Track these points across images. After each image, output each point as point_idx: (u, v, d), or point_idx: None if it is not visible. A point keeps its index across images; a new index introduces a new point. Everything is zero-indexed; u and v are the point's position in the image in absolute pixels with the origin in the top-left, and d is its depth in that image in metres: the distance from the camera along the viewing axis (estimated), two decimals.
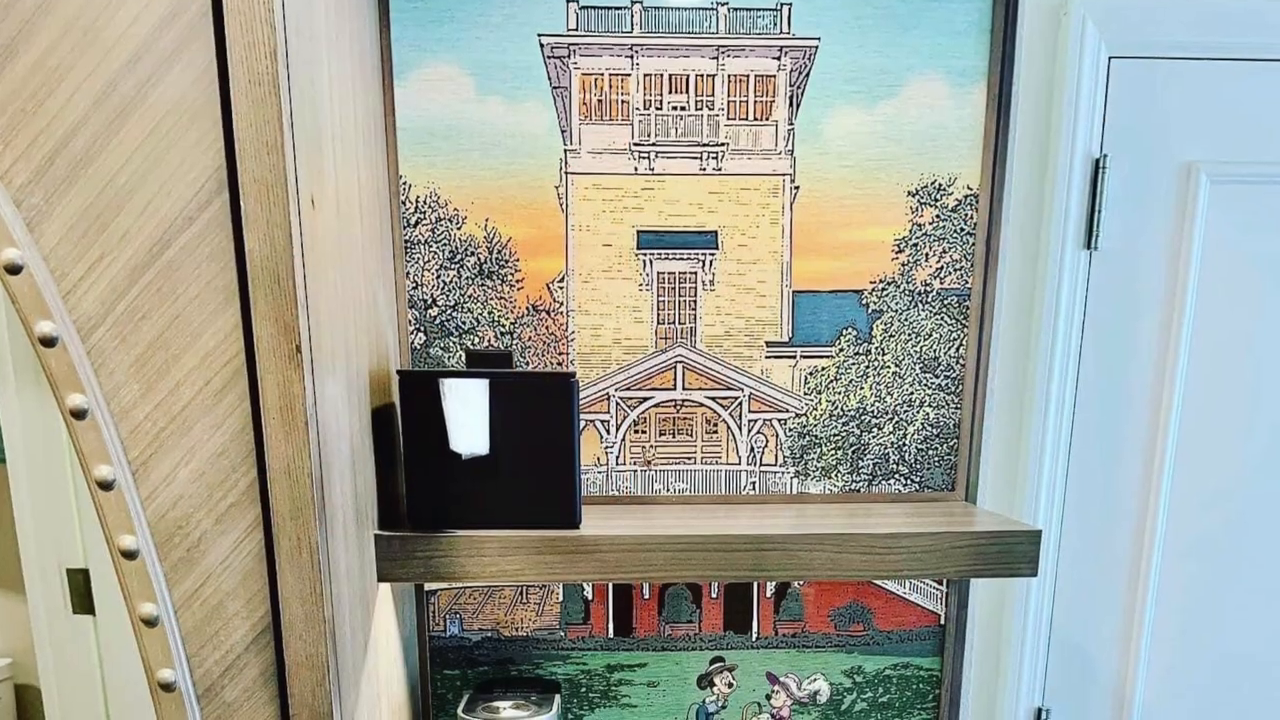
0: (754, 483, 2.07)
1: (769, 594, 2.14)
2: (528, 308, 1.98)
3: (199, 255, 1.31)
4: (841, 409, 2.03)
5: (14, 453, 1.78)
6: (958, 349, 2.01)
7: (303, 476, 1.37)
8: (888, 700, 2.19)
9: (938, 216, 1.96)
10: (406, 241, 1.93)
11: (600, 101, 1.91)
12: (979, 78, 1.92)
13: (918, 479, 2.06)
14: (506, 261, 1.95)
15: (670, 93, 1.92)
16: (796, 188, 1.95)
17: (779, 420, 2.04)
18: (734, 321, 2.00)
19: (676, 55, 1.90)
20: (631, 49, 1.90)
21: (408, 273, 1.95)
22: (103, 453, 1.35)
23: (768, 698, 2.19)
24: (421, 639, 2.11)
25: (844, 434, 2.04)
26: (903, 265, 1.98)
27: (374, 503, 1.75)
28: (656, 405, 2.03)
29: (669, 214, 1.96)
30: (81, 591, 1.69)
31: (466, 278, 1.95)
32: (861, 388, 2.03)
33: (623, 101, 1.92)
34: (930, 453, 2.05)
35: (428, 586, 2.09)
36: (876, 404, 2.03)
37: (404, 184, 1.91)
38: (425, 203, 1.92)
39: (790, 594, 2.14)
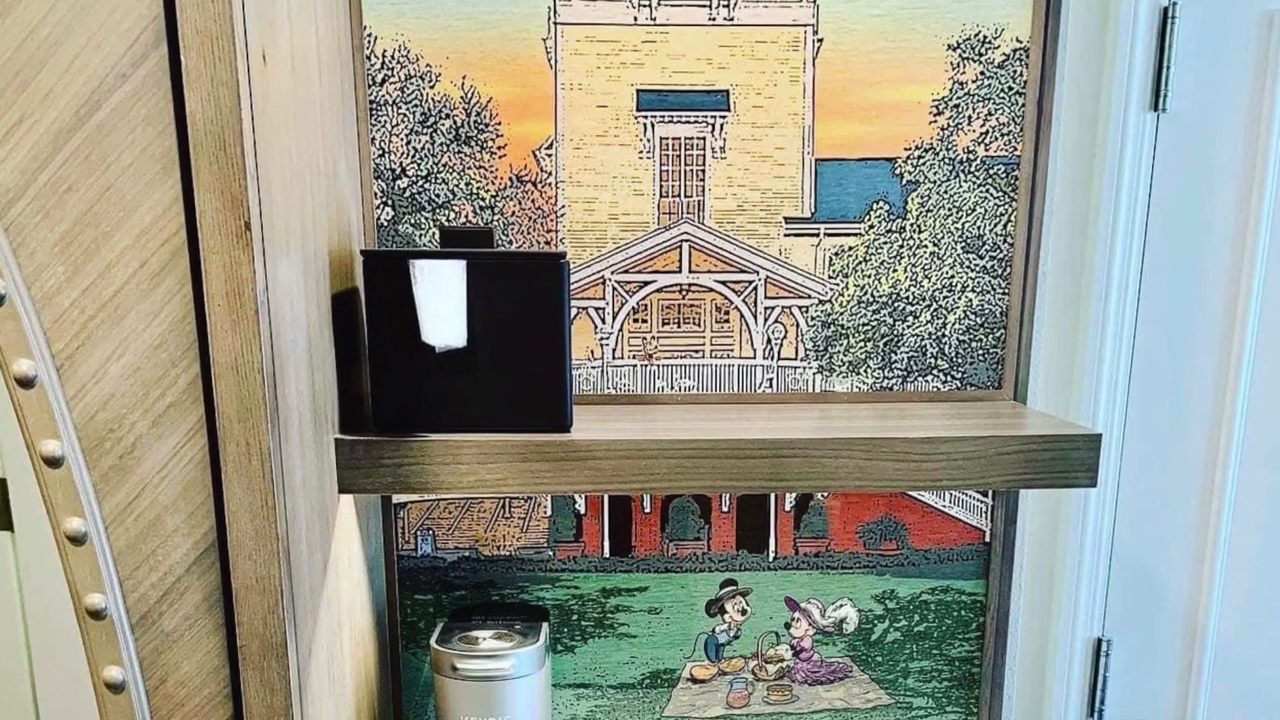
0: (771, 379, 2.08)
1: (788, 507, 2.16)
2: (511, 178, 1.98)
3: (133, 118, 1.32)
4: (872, 295, 2.04)
5: None
6: (1005, 225, 2.02)
7: (252, 372, 1.38)
8: (924, 629, 2.21)
9: (982, 73, 1.96)
10: (371, 102, 1.94)
11: None
12: None
13: (959, 375, 2.08)
14: (487, 125, 1.96)
15: None
16: (820, 40, 1.94)
17: (800, 308, 2.05)
18: (748, 194, 2.00)
19: None
20: None
21: (373, 138, 1.95)
22: (22, 345, 1.35)
23: (787, 626, 2.21)
24: (389, 559, 2.14)
25: (874, 323, 2.06)
26: (942, 129, 1.98)
27: (334, 403, 1.77)
28: (659, 290, 2.04)
29: (673, 70, 1.96)
30: None
31: (441, 144, 1.96)
32: (895, 270, 2.04)
33: None
34: (973, 345, 2.07)
35: (396, 499, 2.11)
36: (912, 289, 2.04)
37: (369, 36, 1.91)
38: (393, 58, 1.92)
39: (813, 507, 2.16)
